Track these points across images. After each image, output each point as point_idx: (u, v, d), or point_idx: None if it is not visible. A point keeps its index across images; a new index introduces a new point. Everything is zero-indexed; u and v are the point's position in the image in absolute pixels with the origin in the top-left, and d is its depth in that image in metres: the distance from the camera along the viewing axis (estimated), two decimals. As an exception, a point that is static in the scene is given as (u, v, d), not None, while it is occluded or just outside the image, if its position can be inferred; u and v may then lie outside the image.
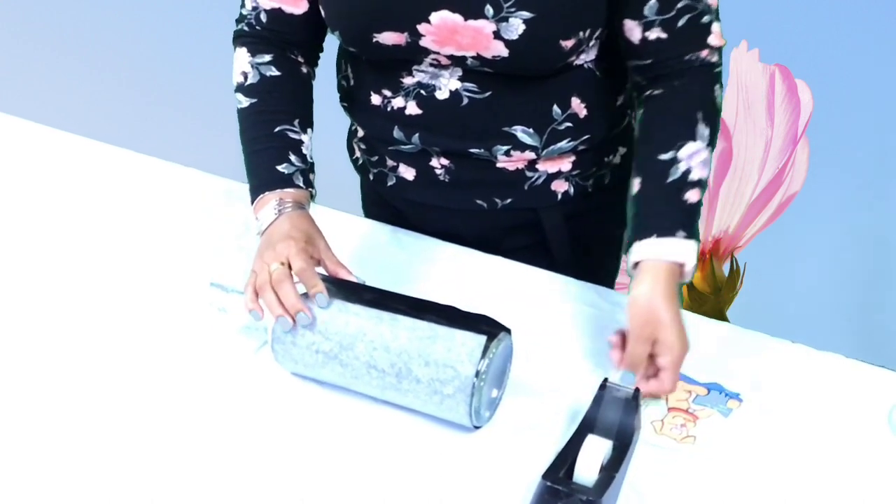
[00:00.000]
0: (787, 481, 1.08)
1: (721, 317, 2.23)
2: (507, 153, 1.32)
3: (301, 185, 1.27)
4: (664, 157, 1.21)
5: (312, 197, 1.29)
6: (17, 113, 1.74)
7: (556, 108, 1.29)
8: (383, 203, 1.50)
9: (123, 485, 1.06)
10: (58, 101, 3.07)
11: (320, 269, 1.19)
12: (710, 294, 2.23)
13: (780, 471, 1.09)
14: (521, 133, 1.30)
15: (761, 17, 2.76)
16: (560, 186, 1.37)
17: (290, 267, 1.16)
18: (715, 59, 1.24)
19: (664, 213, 1.20)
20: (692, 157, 1.21)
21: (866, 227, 2.80)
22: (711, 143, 1.22)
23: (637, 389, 1.11)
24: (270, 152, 1.28)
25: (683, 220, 1.19)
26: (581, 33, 1.21)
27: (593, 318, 1.29)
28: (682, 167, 1.20)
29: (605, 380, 1.12)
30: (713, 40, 1.23)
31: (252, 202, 1.27)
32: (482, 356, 1.08)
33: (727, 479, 1.09)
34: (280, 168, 1.27)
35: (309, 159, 1.30)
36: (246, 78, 1.32)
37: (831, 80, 2.50)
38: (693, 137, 1.21)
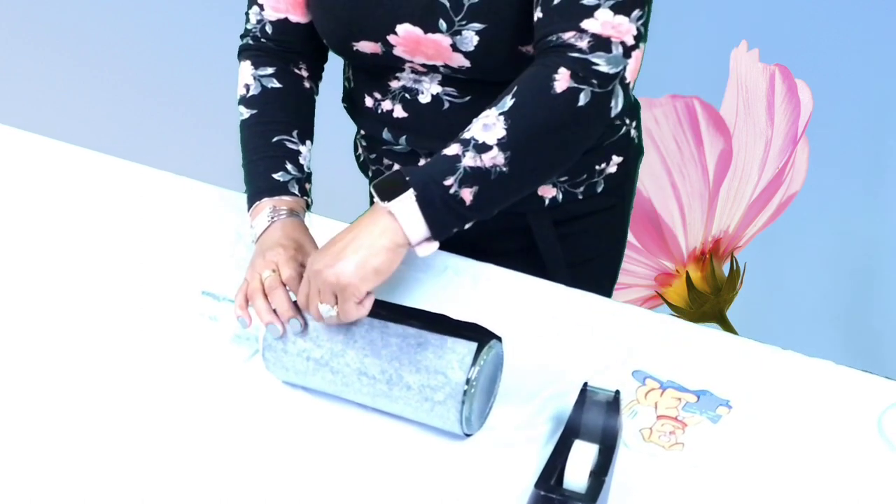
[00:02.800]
0: (776, 488, 1.08)
1: (721, 317, 2.24)
2: None
3: (296, 192, 1.28)
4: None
5: (308, 206, 1.30)
6: (6, 122, 1.74)
7: None
8: None
9: (114, 493, 1.07)
10: (49, 110, 3.06)
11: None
12: (710, 294, 2.23)
13: (769, 478, 1.10)
14: None
15: (761, 17, 2.75)
16: (547, 192, 1.37)
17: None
18: (580, 43, 1.09)
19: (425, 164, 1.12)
20: (478, 120, 1.10)
21: (866, 227, 2.80)
22: (508, 114, 1.08)
23: (618, 391, 1.11)
24: (267, 161, 1.29)
25: (417, 168, 1.10)
26: None
27: (584, 325, 1.29)
28: (465, 130, 1.11)
29: (585, 384, 1.13)
30: (590, 24, 1.09)
31: (248, 210, 1.28)
32: (473, 363, 1.09)
33: (716, 487, 1.09)
34: (276, 176, 1.28)
35: (306, 169, 1.31)
36: (248, 90, 1.34)
37: (831, 80, 2.49)
38: (493, 106, 1.10)
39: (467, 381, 1.09)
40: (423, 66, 1.26)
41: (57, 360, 1.23)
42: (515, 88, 1.10)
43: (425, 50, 1.23)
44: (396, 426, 1.14)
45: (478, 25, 1.18)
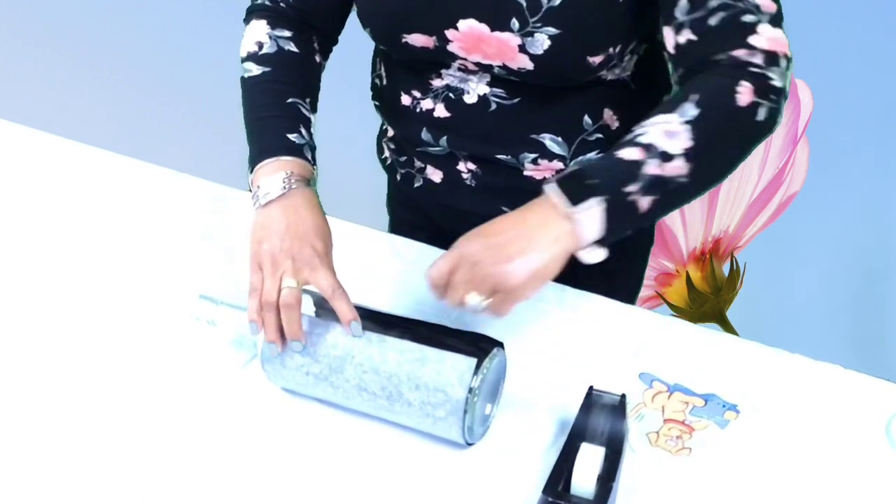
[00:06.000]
0: (783, 494, 1.08)
1: (721, 317, 2.23)
2: (534, 161, 1.30)
3: (309, 159, 1.21)
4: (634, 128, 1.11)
5: (315, 177, 1.23)
6: (8, 118, 1.72)
7: (586, 119, 1.27)
8: (410, 204, 1.49)
9: (109, 498, 1.06)
10: (50, 106, 3.05)
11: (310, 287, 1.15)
12: (710, 294, 2.22)
13: (776, 483, 1.09)
14: (550, 141, 1.28)
15: (761, 17, 2.74)
16: None
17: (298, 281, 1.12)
18: (756, 59, 1.07)
19: (590, 158, 1.13)
20: (657, 124, 1.07)
21: (866, 228, 2.80)
22: (694, 124, 1.06)
23: (623, 395, 1.10)
24: (281, 121, 1.22)
25: (600, 170, 1.06)
26: (611, 49, 1.19)
27: (589, 329, 1.28)
28: (638, 131, 1.08)
29: (591, 388, 1.12)
30: (757, 41, 1.07)
31: (252, 169, 1.19)
32: (473, 378, 1.08)
33: (723, 493, 1.08)
34: (291, 137, 1.20)
35: (313, 141, 1.25)
36: (261, 47, 1.27)
37: (831, 80, 2.49)
38: (672, 111, 1.07)
39: (468, 397, 1.07)
40: (477, 64, 1.23)
41: (51, 363, 1.22)
42: (698, 97, 1.07)
43: (486, 48, 1.19)
44: (399, 434, 1.13)
45: (552, 30, 1.15)
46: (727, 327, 2.20)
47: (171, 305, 1.30)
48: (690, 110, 1.06)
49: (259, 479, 1.09)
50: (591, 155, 1.17)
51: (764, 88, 1.07)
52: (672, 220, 2.17)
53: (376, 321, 1.13)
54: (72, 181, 1.56)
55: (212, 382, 1.20)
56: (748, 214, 2.21)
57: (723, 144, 1.09)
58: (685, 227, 2.20)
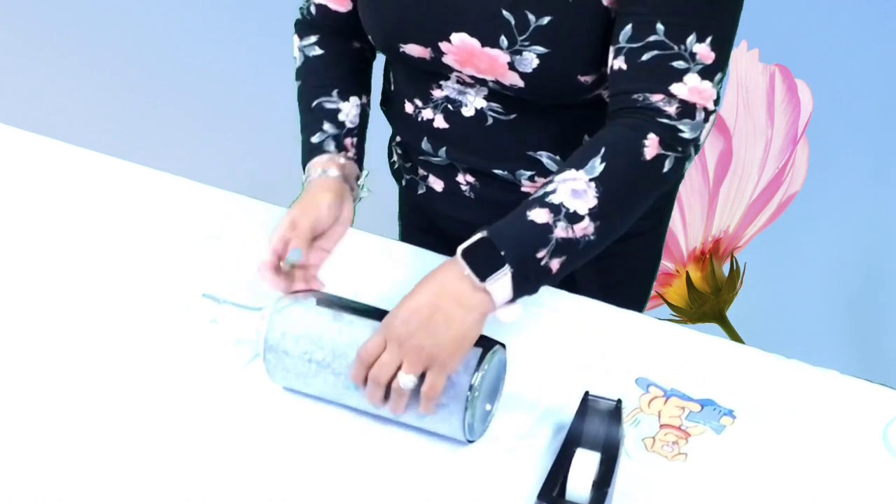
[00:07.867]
0: (779, 501, 1.08)
1: (721, 317, 2.23)
2: (531, 178, 1.30)
3: (331, 150, 1.28)
4: (548, 179, 1.13)
5: (349, 158, 1.29)
6: (6, 121, 1.72)
7: (586, 139, 1.25)
8: (417, 209, 1.49)
9: (109, 498, 1.06)
10: (48, 109, 3.04)
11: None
12: (710, 294, 2.23)
13: (772, 490, 1.09)
14: (547, 160, 1.28)
15: (761, 17, 2.74)
16: None
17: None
18: (669, 108, 1.09)
19: (500, 224, 1.10)
20: (566, 181, 1.09)
21: (866, 228, 2.80)
22: (600, 181, 1.08)
23: (619, 401, 1.10)
24: (307, 128, 1.31)
25: (509, 239, 1.08)
26: (603, 69, 1.18)
27: (585, 333, 1.28)
28: (549, 187, 1.10)
29: (587, 393, 1.12)
30: (678, 89, 1.09)
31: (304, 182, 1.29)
32: (477, 368, 1.08)
33: (718, 499, 1.08)
34: (313, 139, 1.29)
35: (348, 124, 1.30)
36: (296, 63, 1.35)
37: (831, 80, 2.49)
38: (580, 167, 1.10)
39: (471, 387, 1.08)
40: (472, 77, 1.23)
41: (54, 362, 1.22)
42: (603, 151, 1.10)
43: (478, 63, 1.20)
44: (398, 434, 1.14)
45: (540, 49, 1.15)
46: (727, 327, 2.20)
47: (173, 304, 1.31)
48: (597, 166, 1.09)
49: (260, 478, 1.09)
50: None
51: (671, 140, 1.10)
52: (672, 220, 2.16)
53: (379, 317, 1.14)
54: (74, 186, 1.56)
55: (213, 381, 1.20)
56: (748, 214, 2.21)
57: (628, 198, 1.13)
58: (685, 227, 2.20)
